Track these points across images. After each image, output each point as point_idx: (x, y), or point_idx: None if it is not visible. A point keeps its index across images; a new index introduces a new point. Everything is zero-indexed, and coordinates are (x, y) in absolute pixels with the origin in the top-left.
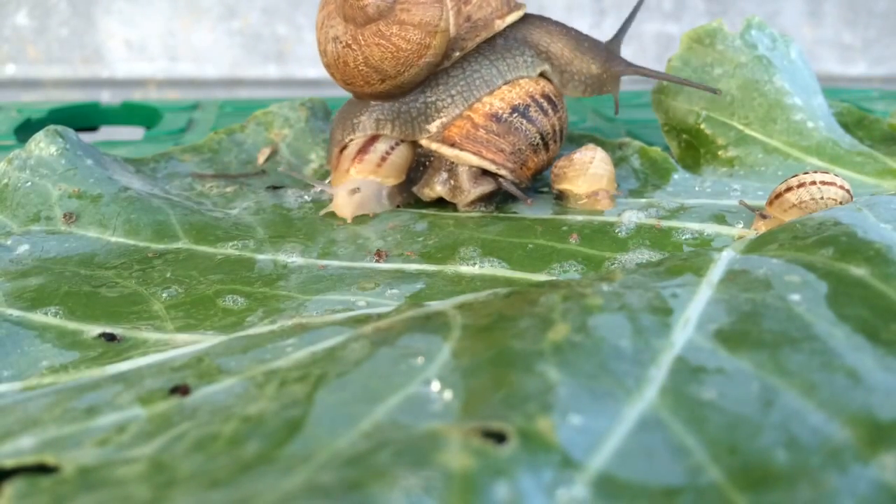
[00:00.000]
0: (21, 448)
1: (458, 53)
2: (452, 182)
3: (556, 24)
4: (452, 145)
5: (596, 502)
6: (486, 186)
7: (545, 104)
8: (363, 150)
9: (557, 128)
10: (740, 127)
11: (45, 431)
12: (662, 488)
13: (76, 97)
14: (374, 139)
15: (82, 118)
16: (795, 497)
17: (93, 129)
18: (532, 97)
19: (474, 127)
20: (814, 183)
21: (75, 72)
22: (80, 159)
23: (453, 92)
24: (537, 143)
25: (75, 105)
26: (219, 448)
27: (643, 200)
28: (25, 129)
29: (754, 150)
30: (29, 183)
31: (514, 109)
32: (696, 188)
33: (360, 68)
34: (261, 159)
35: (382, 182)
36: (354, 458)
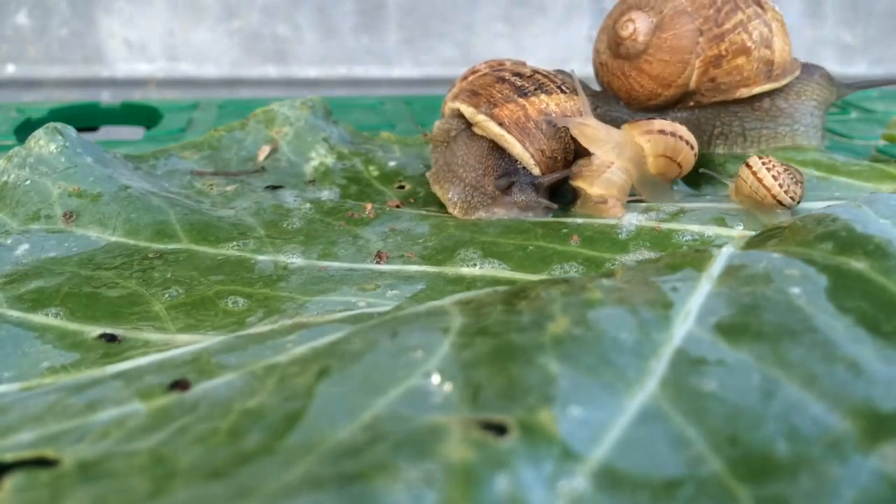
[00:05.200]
0: (21, 443)
1: (692, 103)
2: (467, 199)
3: (820, 69)
4: (501, 124)
5: (597, 494)
6: (501, 209)
7: None
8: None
9: (581, 152)
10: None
11: (44, 426)
12: (663, 479)
13: (76, 97)
14: None
15: (82, 118)
16: (796, 487)
17: (93, 129)
18: (581, 115)
19: (526, 117)
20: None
21: (75, 72)
22: (80, 157)
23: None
24: (569, 160)
25: (75, 105)
26: (219, 440)
27: (643, 204)
28: (25, 129)
29: None
30: (28, 181)
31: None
32: (696, 195)
33: (604, 86)
34: (261, 157)
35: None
36: (355, 450)
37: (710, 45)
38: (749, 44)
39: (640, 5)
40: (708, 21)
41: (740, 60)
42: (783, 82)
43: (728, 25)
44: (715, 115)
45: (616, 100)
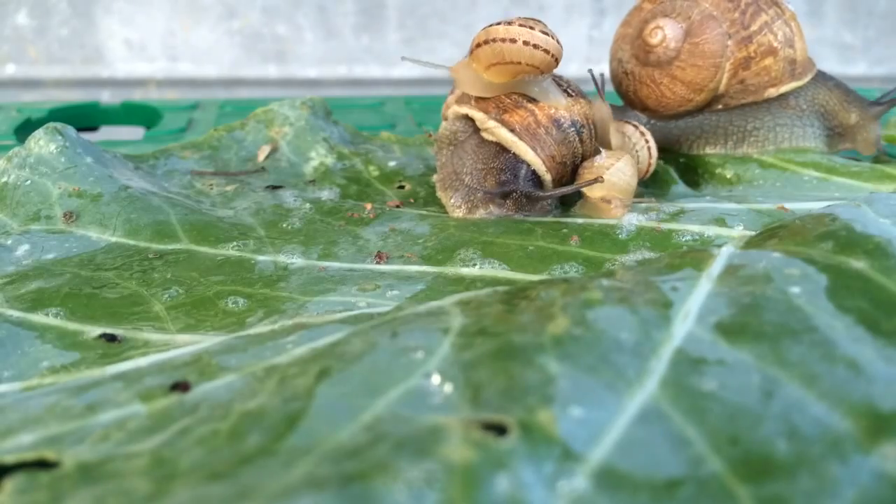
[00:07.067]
0: (21, 444)
1: (720, 106)
2: (468, 199)
3: (834, 79)
4: (512, 131)
5: (597, 494)
6: (495, 209)
7: (592, 129)
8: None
9: (587, 155)
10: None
11: (45, 428)
12: (663, 480)
13: (76, 97)
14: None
15: (82, 118)
16: (796, 487)
17: (93, 129)
18: (587, 119)
19: (536, 123)
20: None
21: (75, 72)
22: (80, 157)
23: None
24: (576, 163)
25: (75, 105)
26: (219, 442)
27: (643, 205)
28: (25, 129)
29: (752, 167)
30: (29, 181)
31: (573, 124)
32: (696, 196)
33: (629, 95)
34: (261, 157)
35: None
36: (355, 451)
37: (738, 47)
38: (775, 44)
39: (666, 12)
40: (735, 24)
41: (768, 61)
42: (805, 80)
43: (754, 27)
44: (745, 114)
45: (633, 109)
